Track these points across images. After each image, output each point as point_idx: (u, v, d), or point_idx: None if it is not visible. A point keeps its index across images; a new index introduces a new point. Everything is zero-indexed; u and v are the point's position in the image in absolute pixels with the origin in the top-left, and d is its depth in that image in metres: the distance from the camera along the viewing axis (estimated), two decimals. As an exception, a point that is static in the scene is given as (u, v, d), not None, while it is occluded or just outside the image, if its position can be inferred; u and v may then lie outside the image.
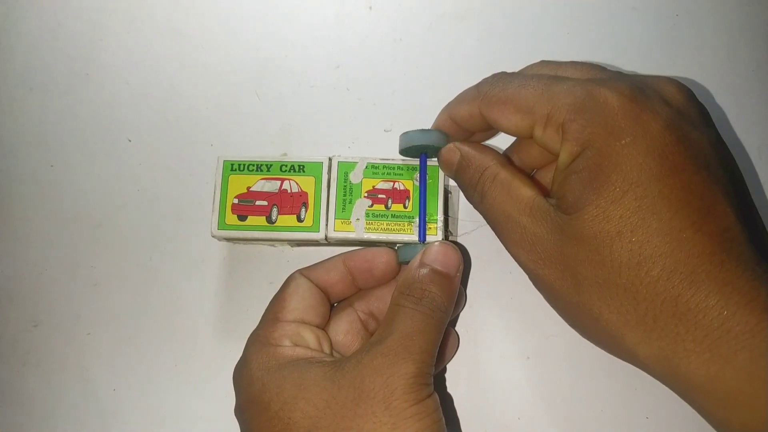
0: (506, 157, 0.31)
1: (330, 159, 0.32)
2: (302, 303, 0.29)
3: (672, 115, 0.24)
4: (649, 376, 0.24)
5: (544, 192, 0.27)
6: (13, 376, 0.35)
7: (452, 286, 0.27)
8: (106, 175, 0.37)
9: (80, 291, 0.35)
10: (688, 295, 0.22)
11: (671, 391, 0.24)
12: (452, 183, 0.32)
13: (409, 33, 0.38)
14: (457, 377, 0.33)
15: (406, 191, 0.32)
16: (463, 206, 0.34)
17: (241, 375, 0.27)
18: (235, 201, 0.32)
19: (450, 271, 0.27)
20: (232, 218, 0.31)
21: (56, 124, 0.38)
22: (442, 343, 0.29)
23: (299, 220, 0.31)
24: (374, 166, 0.32)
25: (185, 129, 0.37)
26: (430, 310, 0.26)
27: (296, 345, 0.27)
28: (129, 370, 0.35)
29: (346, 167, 0.32)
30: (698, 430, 0.26)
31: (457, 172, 0.29)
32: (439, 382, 0.33)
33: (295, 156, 0.33)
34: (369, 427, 0.23)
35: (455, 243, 0.34)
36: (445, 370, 0.33)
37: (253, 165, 0.32)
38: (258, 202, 0.31)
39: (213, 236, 0.31)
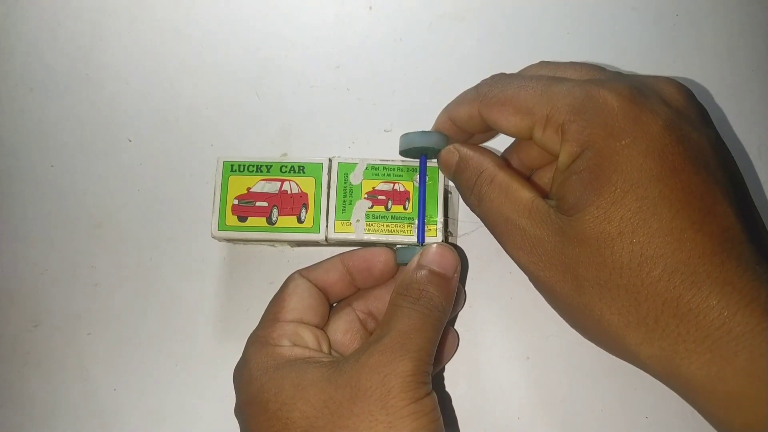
0: (505, 160, 0.31)
1: (330, 160, 0.32)
2: (301, 303, 0.29)
3: (671, 115, 0.24)
4: (648, 376, 0.24)
5: (542, 194, 0.27)
6: (13, 376, 0.35)
7: (450, 287, 0.27)
8: (106, 175, 0.37)
9: (80, 291, 0.35)
10: (689, 296, 0.22)
11: (671, 391, 0.24)
12: (452, 184, 0.32)
13: (409, 33, 0.38)
14: (456, 377, 0.33)
15: (406, 192, 0.32)
16: (463, 207, 0.34)
17: (241, 375, 0.27)
18: (235, 202, 0.31)
19: (447, 272, 0.27)
20: (232, 219, 0.31)
21: (56, 124, 0.38)
22: (441, 342, 0.29)
23: (299, 221, 0.31)
24: (374, 167, 0.32)
25: (185, 129, 0.37)
26: (427, 309, 0.26)
27: (295, 345, 0.27)
28: (129, 370, 0.35)
29: (346, 168, 0.32)
30: (698, 430, 0.26)
31: (455, 173, 0.29)
32: (438, 382, 0.33)
33: (295, 156, 0.33)
34: (365, 426, 0.23)
35: (454, 245, 0.34)
36: (444, 369, 0.33)
37: (253, 166, 0.32)
38: (258, 203, 0.31)
39: (213, 237, 0.31)
